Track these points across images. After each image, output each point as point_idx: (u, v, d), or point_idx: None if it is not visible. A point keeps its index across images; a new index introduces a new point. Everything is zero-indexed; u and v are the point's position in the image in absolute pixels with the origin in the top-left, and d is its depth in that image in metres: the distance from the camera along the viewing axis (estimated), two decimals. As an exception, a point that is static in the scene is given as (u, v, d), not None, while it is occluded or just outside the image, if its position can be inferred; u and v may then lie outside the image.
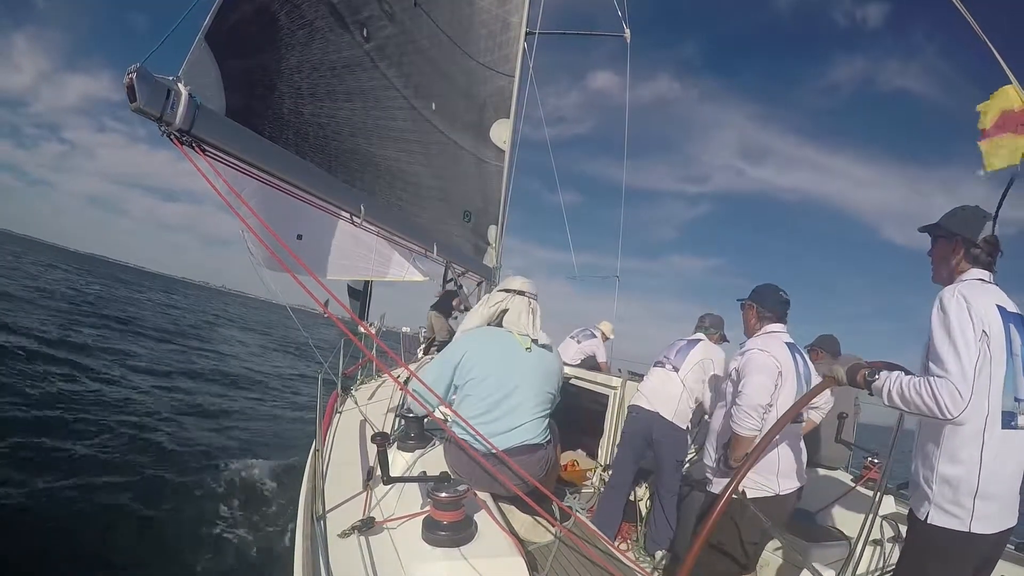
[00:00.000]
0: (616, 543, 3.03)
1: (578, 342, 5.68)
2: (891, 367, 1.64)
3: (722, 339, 3.38)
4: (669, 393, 3.13)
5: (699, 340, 3.28)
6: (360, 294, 5.70)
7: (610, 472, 3.38)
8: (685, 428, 3.15)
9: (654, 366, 3.32)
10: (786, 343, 2.21)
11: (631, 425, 3.26)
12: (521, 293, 2.16)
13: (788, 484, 2.07)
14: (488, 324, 2.16)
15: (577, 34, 6.19)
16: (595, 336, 5.79)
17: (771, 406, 2.07)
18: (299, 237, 3.02)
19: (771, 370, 2.08)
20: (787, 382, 2.11)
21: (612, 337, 5.93)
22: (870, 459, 3.03)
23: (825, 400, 2.46)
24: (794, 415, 1.77)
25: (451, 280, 5.49)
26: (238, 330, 24.43)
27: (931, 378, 1.39)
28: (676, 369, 3.18)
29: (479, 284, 5.32)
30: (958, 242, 1.60)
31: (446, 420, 2.00)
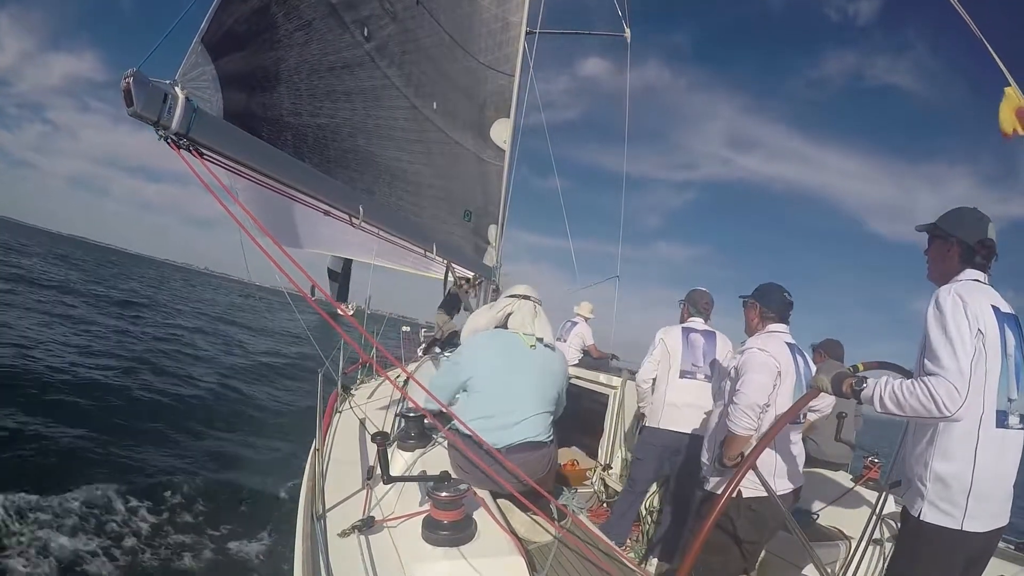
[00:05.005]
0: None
1: (566, 341, 5.73)
2: (884, 366, 1.63)
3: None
4: (706, 408, 2.86)
5: (713, 334, 3.10)
6: (339, 276, 5.58)
7: (631, 478, 3.20)
8: None
9: (681, 377, 3.00)
10: (787, 343, 2.20)
11: (661, 443, 3.02)
12: (526, 298, 2.23)
13: (784, 484, 2.07)
14: (494, 327, 2.21)
15: (577, 34, 6.18)
16: (576, 323, 5.88)
17: (768, 406, 2.07)
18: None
19: (770, 369, 2.07)
20: (786, 382, 2.10)
21: (592, 316, 6.00)
22: (870, 459, 3.03)
23: (825, 403, 2.44)
24: (787, 422, 1.77)
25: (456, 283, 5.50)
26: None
27: (926, 377, 1.38)
28: (709, 378, 2.96)
29: (479, 283, 5.33)
30: (954, 243, 1.60)
31: (448, 424, 2.01)
